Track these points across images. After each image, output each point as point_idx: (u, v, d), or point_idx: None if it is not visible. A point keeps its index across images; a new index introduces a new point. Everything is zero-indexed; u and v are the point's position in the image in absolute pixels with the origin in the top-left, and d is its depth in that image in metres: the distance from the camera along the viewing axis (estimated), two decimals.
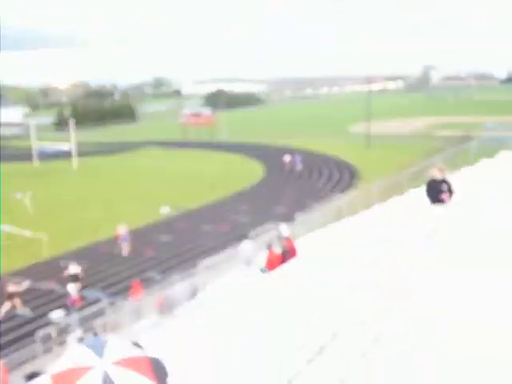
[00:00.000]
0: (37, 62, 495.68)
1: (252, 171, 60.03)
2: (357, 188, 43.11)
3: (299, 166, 59.73)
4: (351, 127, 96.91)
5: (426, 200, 13.22)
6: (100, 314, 18.88)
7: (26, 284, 24.80)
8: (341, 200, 30.68)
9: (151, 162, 70.14)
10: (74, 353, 1.86)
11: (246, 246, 22.09)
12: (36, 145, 73.63)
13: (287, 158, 60.89)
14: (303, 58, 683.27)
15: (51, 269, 30.29)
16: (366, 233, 16.01)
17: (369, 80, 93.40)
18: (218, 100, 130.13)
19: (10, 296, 23.81)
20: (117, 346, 1.87)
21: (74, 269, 25.56)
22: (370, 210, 21.78)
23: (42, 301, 25.88)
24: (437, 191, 12.81)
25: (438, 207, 12.92)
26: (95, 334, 16.06)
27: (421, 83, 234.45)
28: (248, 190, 50.14)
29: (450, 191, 12.83)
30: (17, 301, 23.94)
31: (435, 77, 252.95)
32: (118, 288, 26.67)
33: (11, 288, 23.90)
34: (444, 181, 12.93)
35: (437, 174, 12.91)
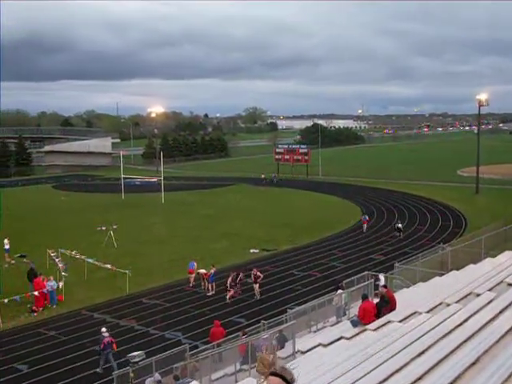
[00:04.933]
0: (130, 92, 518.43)
1: (348, 214, 59.51)
2: (463, 238, 41.81)
3: (275, 180, 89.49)
4: (460, 170, 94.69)
5: None
6: (180, 357, 18.97)
7: None
8: (445, 251, 29.90)
9: (242, 199, 71.28)
10: None
11: (339, 294, 21.87)
12: (124, 176, 76.11)
13: (263, 175, 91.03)
14: (405, 94, 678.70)
15: (131, 305, 31.04)
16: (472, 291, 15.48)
17: (479, 119, 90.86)
18: (315, 136, 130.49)
19: None
20: None
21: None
22: (478, 265, 21.11)
23: (121, 338, 26.44)
24: None
25: None
26: (176, 378, 16.18)
27: None
28: (344, 234, 49.69)
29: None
30: None
31: None
32: (201, 330, 26.88)
33: None
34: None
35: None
